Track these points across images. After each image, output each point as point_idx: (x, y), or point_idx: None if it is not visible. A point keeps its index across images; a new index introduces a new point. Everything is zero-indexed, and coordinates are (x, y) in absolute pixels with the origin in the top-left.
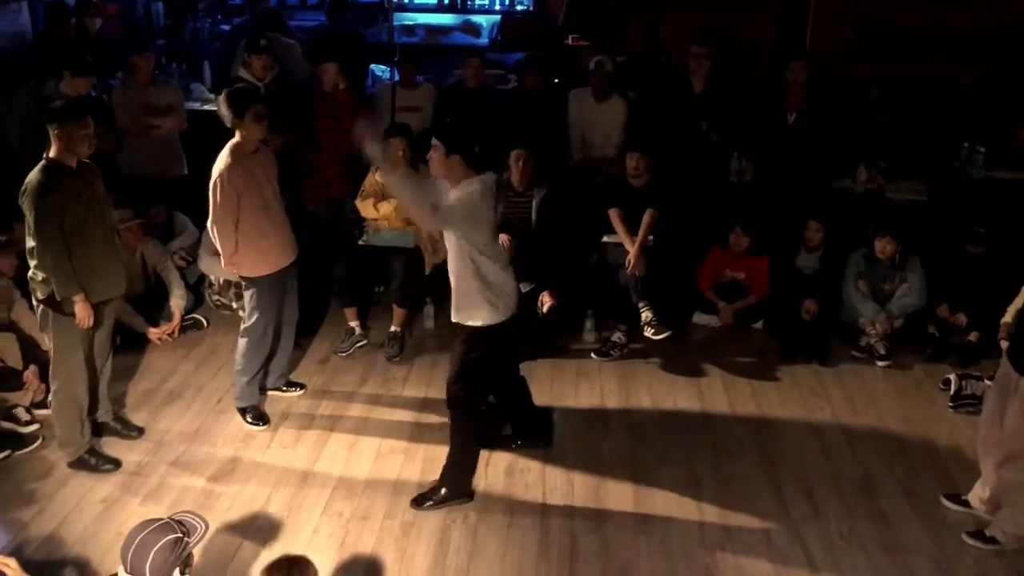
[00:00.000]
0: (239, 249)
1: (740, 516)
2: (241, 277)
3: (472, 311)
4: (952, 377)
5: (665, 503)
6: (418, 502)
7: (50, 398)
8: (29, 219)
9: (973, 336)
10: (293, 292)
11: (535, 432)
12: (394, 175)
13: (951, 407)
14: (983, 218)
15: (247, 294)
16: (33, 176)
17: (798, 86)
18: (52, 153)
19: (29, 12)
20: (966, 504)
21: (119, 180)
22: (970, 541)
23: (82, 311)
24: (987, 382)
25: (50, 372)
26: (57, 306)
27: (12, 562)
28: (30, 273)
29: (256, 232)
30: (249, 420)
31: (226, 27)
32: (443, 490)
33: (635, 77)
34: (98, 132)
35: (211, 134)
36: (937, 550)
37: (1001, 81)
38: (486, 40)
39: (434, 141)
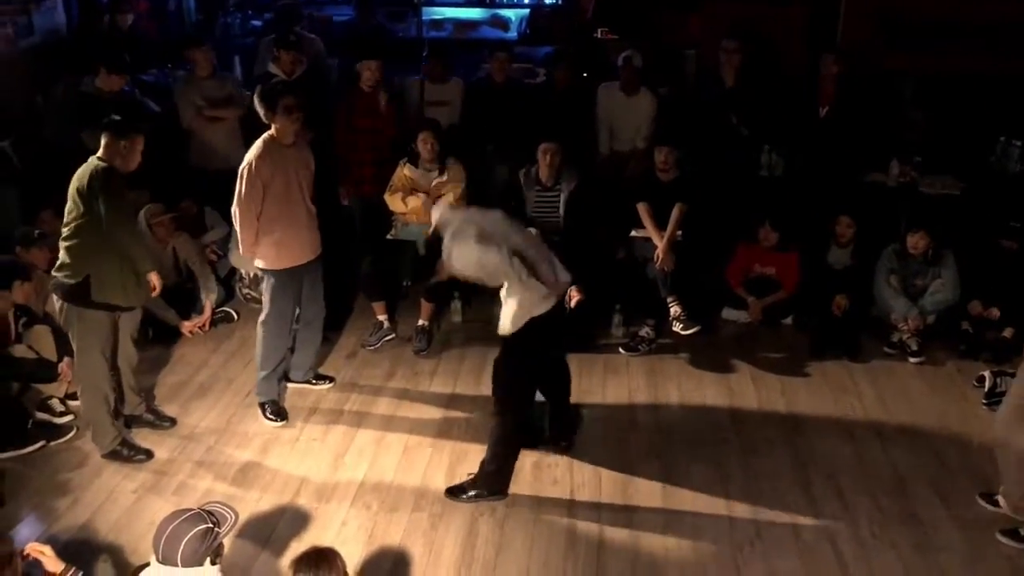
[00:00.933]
0: (259, 239)
1: (769, 513)
2: (257, 268)
3: (515, 317)
4: (987, 374)
5: (694, 499)
6: (453, 492)
7: (79, 397)
8: (99, 204)
9: (1008, 332)
10: (317, 289)
11: (566, 428)
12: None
13: (985, 404)
14: (1018, 213)
15: (263, 285)
16: (95, 166)
17: (830, 79)
18: (103, 156)
19: (64, 8)
20: (996, 503)
21: (186, 175)
22: (1004, 540)
23: (155, 279)
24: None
25: (74, 371)
26: (80, 299)
27: (48, 549)
28: (53, 272)
29: (276, 225)
30: (268, 415)
31: (257, 23)
32: (480, 485)
33: (664, 72)
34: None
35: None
36: (969, 549)
37: None
38: (515, 34)
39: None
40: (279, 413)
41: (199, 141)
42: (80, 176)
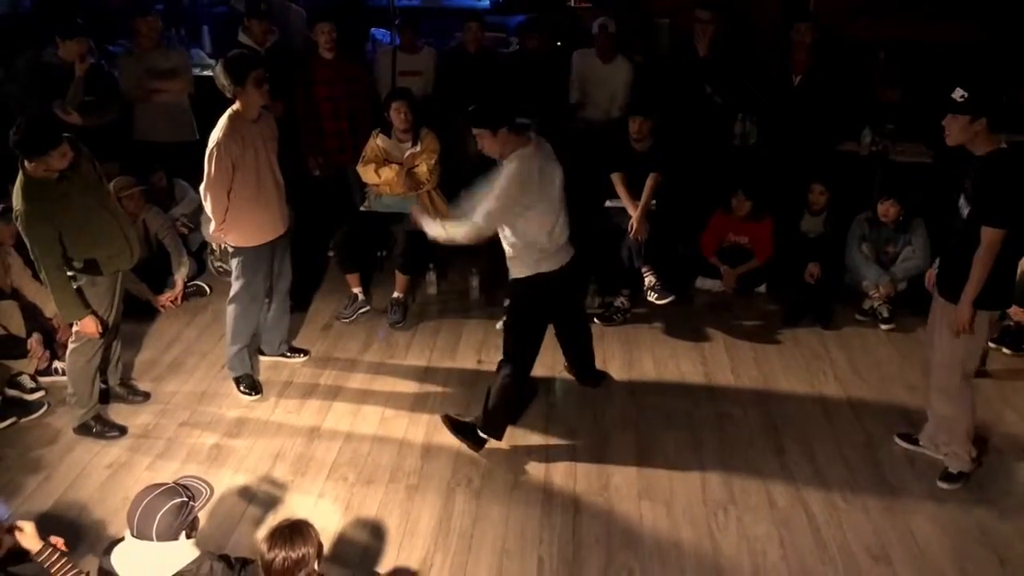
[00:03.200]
0: (228, 218)
1: (742, 479)
2: (227, 244)
3: (515, 264)
4: None
5: (668, 466)
6: (450, 422)
7: (64, 358)
8: (27, 243)
9: None
10: (286, 260)
11: (594, 379)
12: (432, 227)
13: None
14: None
15: (233, 262)
16: (19, 203)
17: (803, 48)
18: (27, 167)
19: None
20: (916, 443)
21: (128, 146)
22: (945, 485)
23: (89, 327)
24: (991, 345)
25: (73, 331)
26: (96, 270)
27: (28, 526)
28: None
29: (247, 203)
30: (242, 389)
31: None
32: (479, 426)
33: (638, 41)
34: (99, 103)
35: (212, 100)
36: (938, 511)
37: (1006, 41)
38: (487, 2)
39: (476, 130)
40: (253, 387)
41: (140, 113)
42: (13, 210)
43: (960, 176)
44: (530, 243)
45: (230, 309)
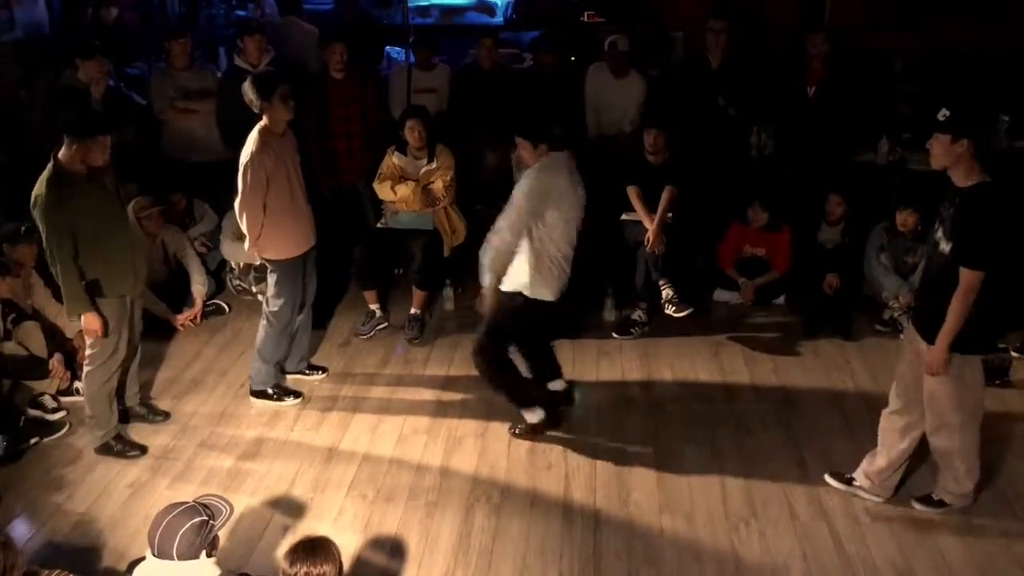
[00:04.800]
0: (264, 232)
1: (764, 492)
2: (265, 260)
3: (512, 274)
4: None
5: (688, 480)
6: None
7: (82, 379)
8: (41, 234)
9: None
10: (312, 275)
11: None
12: (484, 278)
13: None
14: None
15: (270, 278)
16: (42, 189)
17: (818, 59)
18: (62, 156)
19: (46, 3)
20: (850, 483)
21: (155, 164)
22: (919, 507)
23: (92, 323)
24: (1013, 354)
25: (90, 353)
26: (99, 292)
27: None
28: None
29: (282, 215)
30: (277, 398)
31: (241, 12)
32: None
33: (651, 54)
34: (113, 124)
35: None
36: (964, 525)
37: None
38: (501, 19)
39: (519, 139)
40: (288, 392)
41: (172, 132)
42: (32, 200)
43: (939, 201)
44: (543, 255)
45: (267, 328)
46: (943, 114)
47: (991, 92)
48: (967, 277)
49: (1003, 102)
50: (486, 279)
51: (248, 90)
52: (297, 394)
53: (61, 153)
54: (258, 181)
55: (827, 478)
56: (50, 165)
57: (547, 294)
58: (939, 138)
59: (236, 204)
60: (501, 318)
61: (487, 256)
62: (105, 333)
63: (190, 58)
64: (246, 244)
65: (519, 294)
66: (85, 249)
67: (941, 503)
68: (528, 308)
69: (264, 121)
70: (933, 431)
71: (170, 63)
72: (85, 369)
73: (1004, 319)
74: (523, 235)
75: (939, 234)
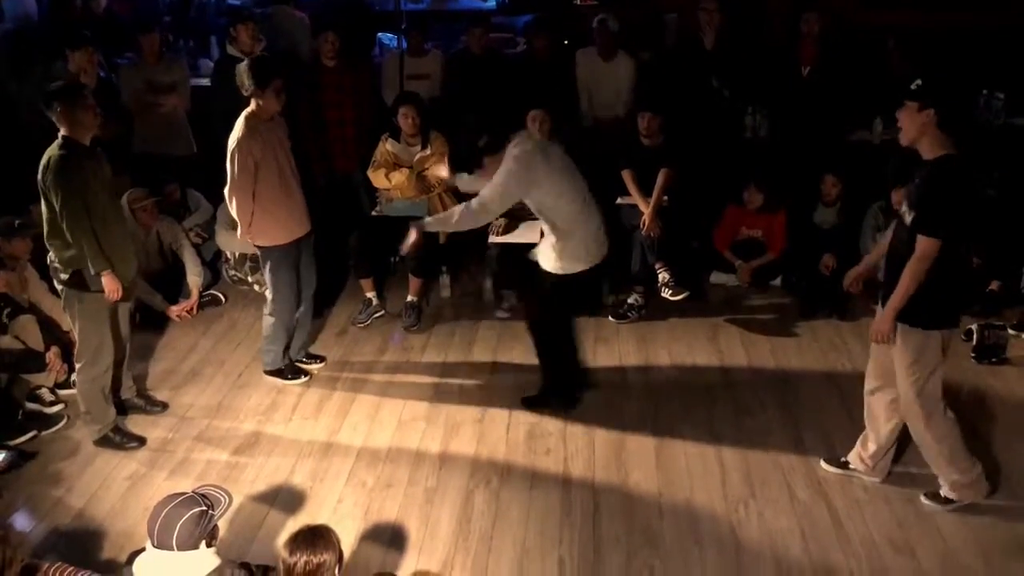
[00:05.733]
0: (255, 218)
1: (762, 472)
2: (257, 247)
3: (541, 253)
4: (974, 327)
5: (687, 462)
6: (529, 403)
7: (75, 376)
8: (54, 197)
9: (995, 285)
10: (310, 265)
11: (566, 393)
12: (431, 223)
13: (973, 358)
14: (1000, 164)
15: (265, 267)
16: (53, 153)
17: (811, 38)
18: (64, 132)
19: None
20: (846, 466)
21: (130, 159)
22: (927, 503)
23: (111, 284)
24: (1010, 331)
25: (76, 351)
26: (82, 285)
27: None
28: (50, 257)
29: (272, 202)
30: (290, 376)
31: (234, 1)
32: (548, 399)
33: (645, 37)
34: (104, 115)
35: (210, 112)
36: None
37: (1019, 25)
38: (493, 4)
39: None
40: (299, 371)
41: (140, 125)
42: (41, 168)
43: (974, 161)
44: (571, 228)
45: (270, 318)
46: (916, 84)
47: (982, 69)
48: (923, 244)
49: (999, 80)
50: (428, 222)
51: (243, 73)
52: (306, 372)
53: (61, 131)
54: (245, 167)
55: (823, 464)
56: (59, 137)
57: (560, 268)
58: (908, 106)
59: (226, 191)
60: (537, 289)
61: (455, 214)
62: (122, 296)
63: (160, 51)
64: (239, 231)
65: (546, 271)
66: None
67: (949, 500)
68: (550, 279)
69: (252, 107)
70: (904, 414)
71: (140, 57)
72: (76, 364)
73: (966, 295)
74: (495, 214)
75: (904, 207)
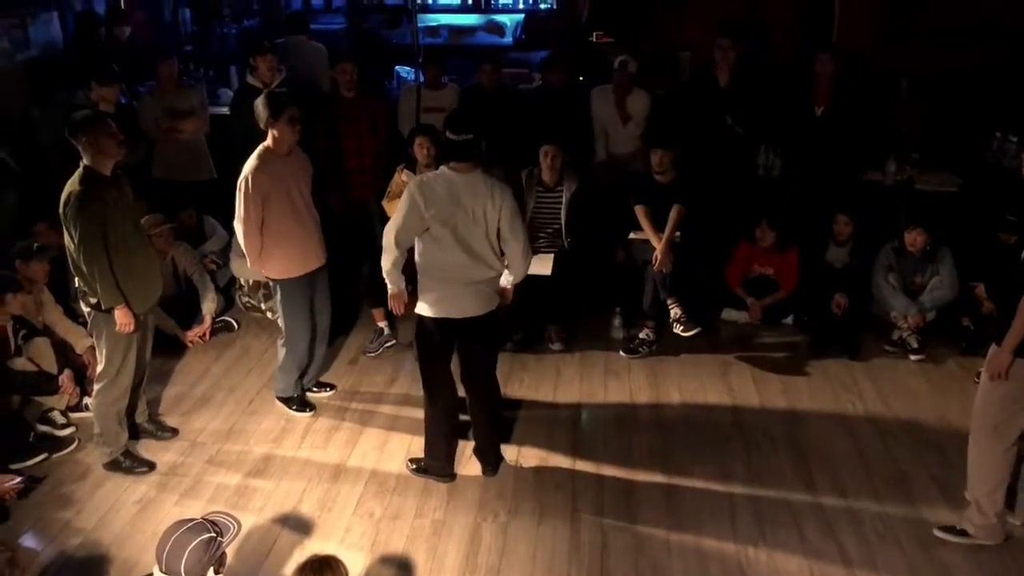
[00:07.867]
0: (265, 251)
1: (772, 512)
2: (268, 278)
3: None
4: None
5: (696, 500)
6: (412, 463)
7: (90, 400)
8: (72, 231)
9: None
10: (325, 297)
11: (482, 456)
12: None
13: None
14: (1015, 207)
15: (277, 297)
16: (73, 187)
17: (825, 78)
18: (87, 162)
19: (59, 22)
20: (964, 534)
21: (149, 185)
22: (941, 535)
23: (124, 318)
24: None
25: (97, 372)
26: (106, 310)
27: None
28: (77, 281)
29: (282, 235)
30: (295, 408)
31: (248, 22)
32: (423, 462)
33: (659, 74)
34: (126, 141)
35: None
36: (975, 544)
37: None
38: (510, 39)
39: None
40: (306, 404)
41: (160, 152)
42: (62, 202)
43: (988, 204)
44: (428, 269)
45: (284, 346)
46: None
47: (996, 111)
48: None
49: (1013, 121)
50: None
51: (259, 105)
52: (312, 407)
53: (84, 160)
54: (252, 201)
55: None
56: (80, 168)
57: (425, 310)
58: None
59: (234, 223)
60: (420, 343)
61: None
62: (137, 328)
63: (178, 78)
64: (247, 262)
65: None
66: (113, 254)
67: (964, 533)
68: (420, 322)
69: (268, 141)
70: (975, 431)
71: (159, 84)
72: (95, 387)
73: None
74: (404, 245)
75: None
